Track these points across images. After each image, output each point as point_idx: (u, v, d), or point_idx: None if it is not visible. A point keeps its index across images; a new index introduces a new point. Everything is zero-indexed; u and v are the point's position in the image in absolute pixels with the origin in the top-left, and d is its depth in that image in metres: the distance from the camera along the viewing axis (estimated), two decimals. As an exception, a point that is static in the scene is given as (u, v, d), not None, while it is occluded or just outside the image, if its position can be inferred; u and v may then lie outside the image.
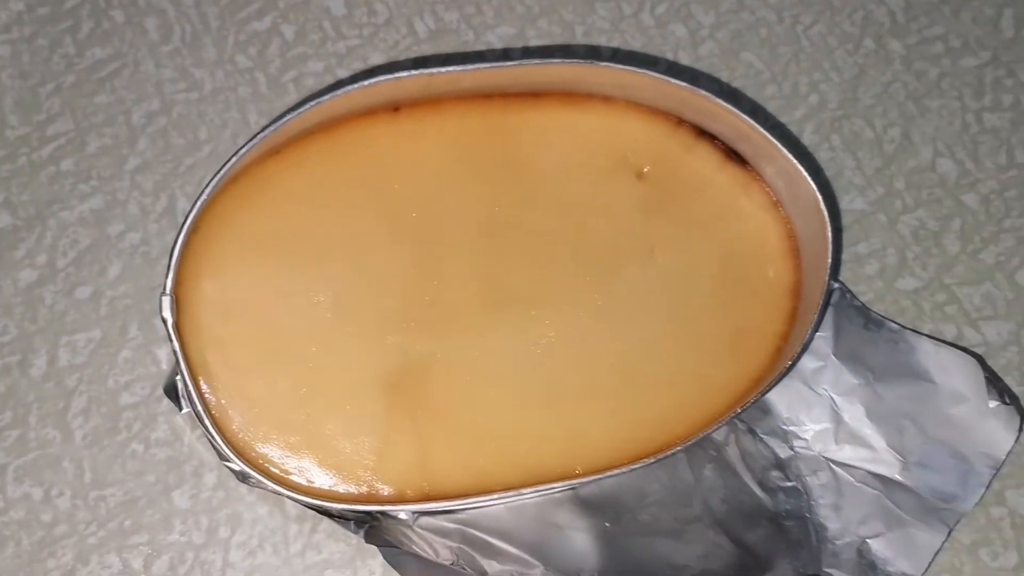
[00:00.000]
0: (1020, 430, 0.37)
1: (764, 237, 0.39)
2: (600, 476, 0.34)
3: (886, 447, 0.37)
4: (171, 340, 0.32)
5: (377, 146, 0.37)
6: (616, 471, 0.34)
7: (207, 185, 0.33)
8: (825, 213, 0.36)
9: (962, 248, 0.43)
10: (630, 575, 0.34)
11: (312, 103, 0.34)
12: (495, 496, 0.33)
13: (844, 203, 0.43)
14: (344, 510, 0.33)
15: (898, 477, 0.37)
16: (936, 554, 0.35)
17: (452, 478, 0.34)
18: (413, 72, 0.35)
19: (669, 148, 0.39)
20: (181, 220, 0.41)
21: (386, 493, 0.34)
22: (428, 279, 0.36)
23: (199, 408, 0.33)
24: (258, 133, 0.34)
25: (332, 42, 0.45)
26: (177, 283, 0.33)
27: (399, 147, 0.37)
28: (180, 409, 0.36)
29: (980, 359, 0.39)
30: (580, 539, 0.35)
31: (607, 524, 0.36)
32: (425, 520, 0.36)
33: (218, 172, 0.33)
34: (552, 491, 0.35)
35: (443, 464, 0.34)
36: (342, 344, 0.35)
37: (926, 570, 0.35)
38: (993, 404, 0.36)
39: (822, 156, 0.44)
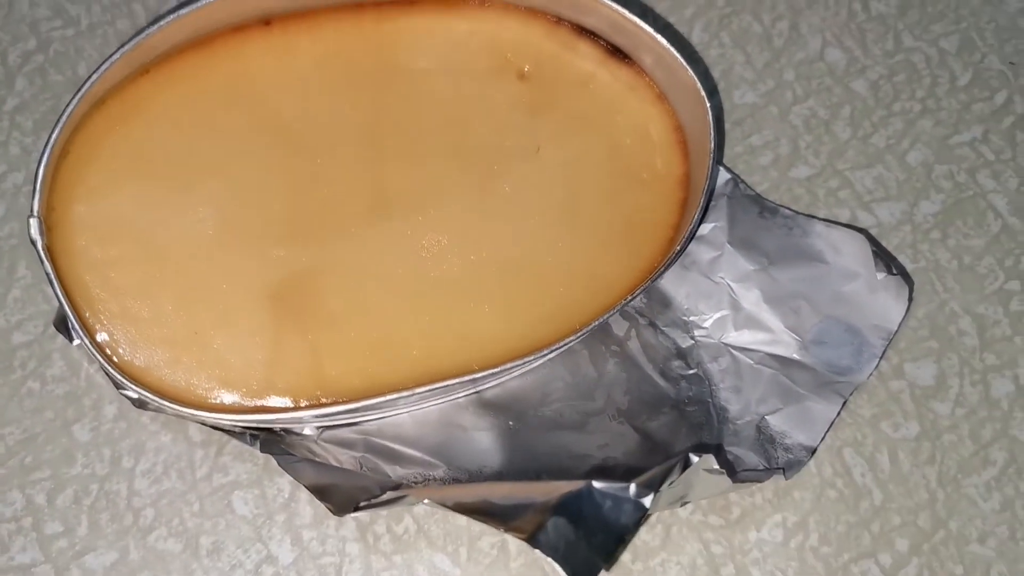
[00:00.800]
0: (909, 300, 0.37)
1: (650, 130, 0.39)
2: (495, 370, 0.34)
3: (783, 328, 0.37)
4: (42, 263, 0.32)
5: (250, 61, 0.36)
6: (511, 364, 0.34)
7: (68, 104, 0.33)
8: (704, 94, 0.36)
9: (853, 134, 0.43)
10: (531, 469, 0.34)
11: (173, 16, 0.34)
12: (387, 398, 0.33)
13: (736, 98, 0.44)
14: (242, 425, 0.33)
15: (795, 356, 0.37)
16: (831, 424, 0.36)
17: (347, 385, 0.34)
18: (281, -19, 0.35)
19: (549, 47, 0.39)
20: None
21: (281, 405, 0.33)
22: (311, 190, 0.35)
23: (82, 334, 0.32)
24: (118, 48, 0.33)
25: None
26: (49, 209, 0.33)
27: (273, 61, 0.36)
28: (72, 341, 0.36)
29: (868, 235, 0.39)
30: (483, 438, 0.35)
31: (510, 423, 0.36)
32: (329, 434, 0.35)
33: (78, 91, 0.33)
34: (453, 395, 0.35)
35: (336, 372, 0.34)
36: (226, 259, 0.34)
37: (822, 439, 0.36)
38: (881, 276, 0.37)
39: (712, 54, 0.44)
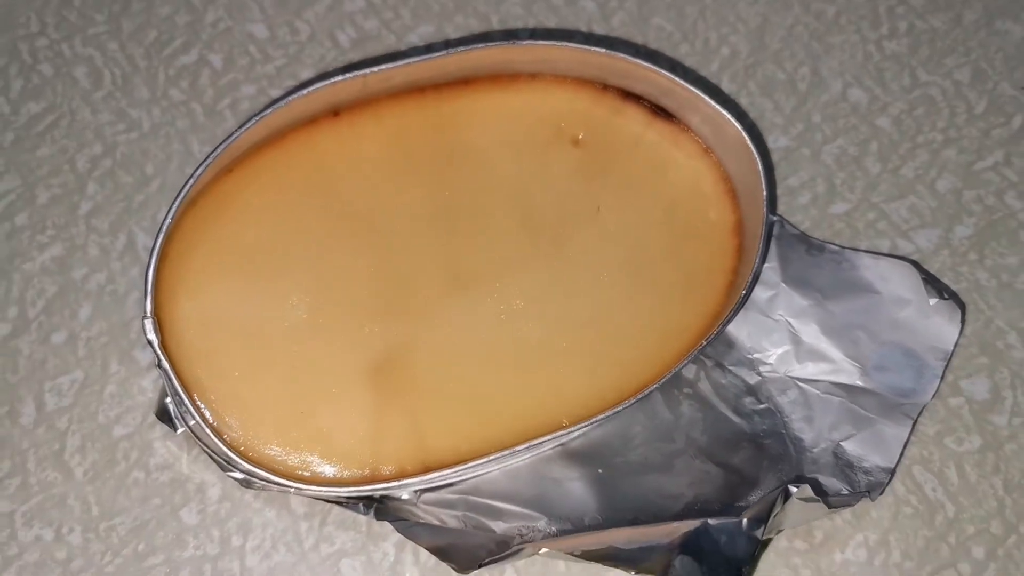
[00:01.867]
0: (963, 322, 0.40)
1: (700, 183, 0.41)
2: (585, 425, 0.36)
3: (844, 357, 0.40)
4: (159, 360, 0.34)
5: (322, 151, 0.38)
6: (599, 417, 0.36)
7: (169, 210, 0.35)
8: (753, 149, 0.39)
9: (883, 167, 0.46)
10: (628, 511, 0.36)
11: (256, 118, 0.36)
12: (491, 458, 0.34)
13: (770, 142, 0.46)
14: (349, 496, 0.35)
15: (859, 383, 0.39)
16: (905, 445, 0.38)
17: (447, 449, 0.36)
18: (347, 76, 0.37)
19: (598, 113, 0.41)
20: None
21: (387, 473, 0.35)
22: (392, 269, 0.37)
23: (197, 419, 0.34)
24: (210, 154, 0.35)
25: (260, 64, 0.47)
26: (156, 307, 0.35)
27: (343, 149, 0.39)
28: (175, 430, 0.37)
29: (915, 263, 0.41)
30: (576, 487, 0.37)
31: (599, 470, 0.38)
32: (428, 496, 0.37)
33: (177, 196, 0.35)
34: (543, 448, 0.37)
35: (437, 437, 0.36)
36: (322, 340, 0.36)
37: (899, 460, 0.37)
38: (933, 301, 0.39)
39: (742, 102, 0.47)
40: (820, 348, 0.40)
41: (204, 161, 0.35)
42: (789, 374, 0.40)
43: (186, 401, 0.34)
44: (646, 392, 0.36)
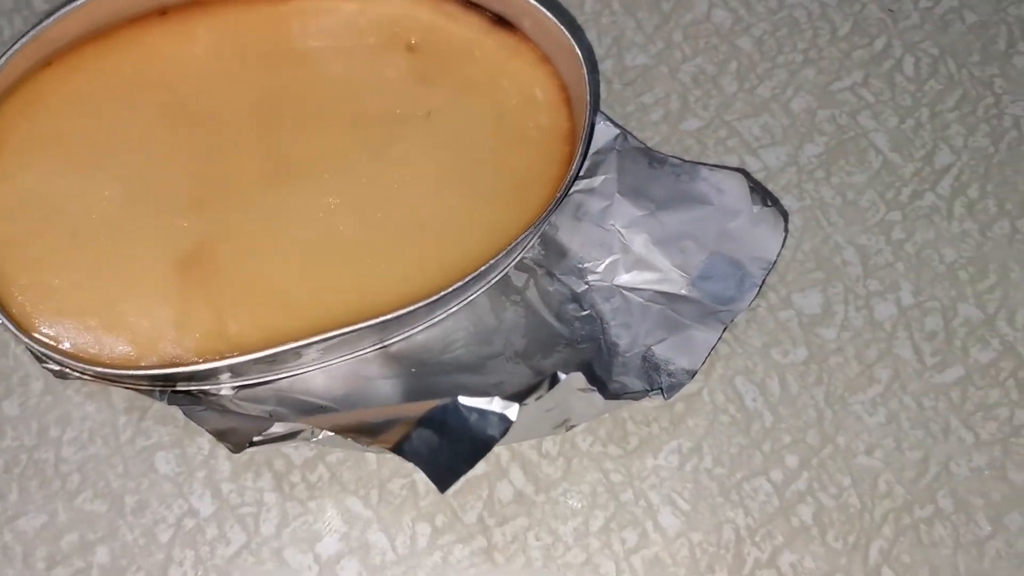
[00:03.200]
0: (785, 231, 0.39)
1: (535, 90, 0.41)
2: (388, 317, 0.36)
3: (671, 267, 0.40)
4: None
5: (149, 48, 0.39)
6: (402, 311, 0.36)
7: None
8: (577, 50, 0.38)
9: (739, 86, 0.45)
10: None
11: (68, 7, 0.36)
12: (286, 347, 0.35)
13: (628, 60, 0.46)
14: (160, 386, 0.35)
15: (683, 292, 0.39)
16: (712, 348, 0.38)
17: (252, 341, 0.36)
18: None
19: (437, 20, 0.41)
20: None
21: (188, 359, 0.35)
22: (211, 163, 0.38)
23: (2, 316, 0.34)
24: (13, 43, 0.36)
25: None
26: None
27: (171, 47, 0.39)
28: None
29: (745, 172, 0.41)
30: (385, 385, 0.37)
31: (412, 369, 0.38)
32: (244, 392, 0.38)
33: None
34: (363, 350, 0.37)
35: (241, 329, 0.36)
36: (132, 231, 0.36)
37: (703, 362, 0.37)
38: (757, 209, 0.39)
39: (604, 21, 0.47)
40: (648, 258, 0.40)
41: (8, 49, 0.35)
42: (615, 282, 0.40)
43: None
44: (455, 288, 0.36)
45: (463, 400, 0.31)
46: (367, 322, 0.35)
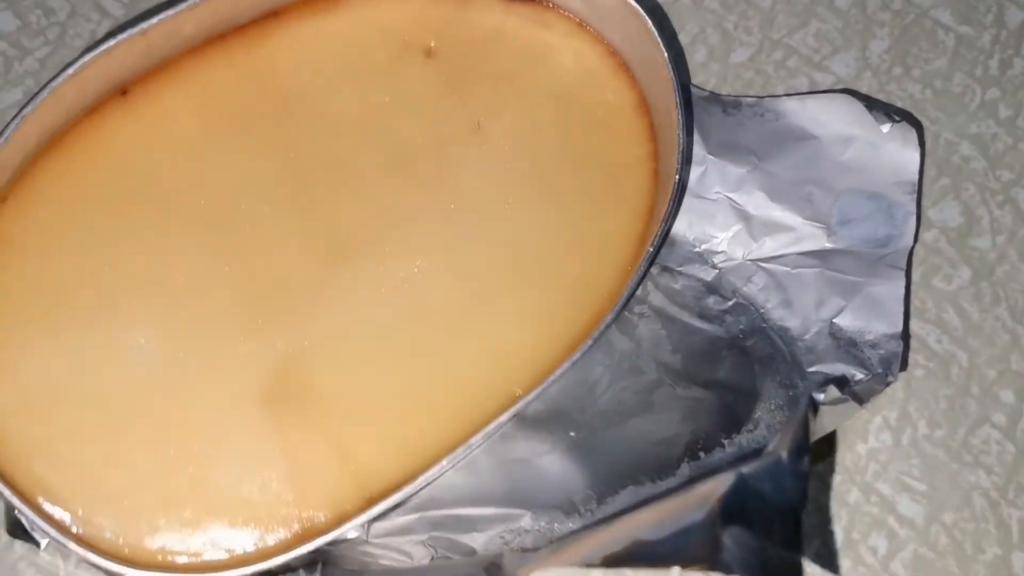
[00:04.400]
0: (922, 143, 0.34)
1: (584, 63, 0.34)
2: (545, 385, 0.28)
3: (803, 221, 0.34)
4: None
5: (116, 142, 0.30)
6: (556, 372, 0.29)
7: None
8: (638, 7, 0.32)
9: (773, -2, 0.39)
10: (622, 475, 0.29)
11: (12, 124, 0.27)
12: (445, 462, 0.27)
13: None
14: (285, 565, 0.27)
15: (828, 245, 0.33)
16: (906, 300, 0.32)
17: (387, 467, 0.28)
18: (121, 36, 0.28)
19: (443, 12, 0.33)
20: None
21: (324, 519, 0.27)
22: (250, 264, 0.29)
23: (56, 534, 0.25)
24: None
25: (18, 62, 0.37)
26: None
27: (143, 133, 0.30)
28: (39, 544, 0.29)
29: (851, 91, 0.36)
30: (551, 463, 0.30)
31: (571, 433, 0.31)
32: (379, 526, 0.30)
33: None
34: (499, 429, 0.29)
35: (369, 456, 0.28)
36: (189, 379, 0.28)
37: (905, 320, 0.32)
38: (886, 128, 0.33)
39: (597, -35, 0.40)
40: (773, 217, 0.34)
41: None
42: (748, 257, 0.34)
43: (31, 515, 0.25)
44: (604, 325, 0.29)
45: (746, 470, 0.24)
46: (526, 399, 0.28)
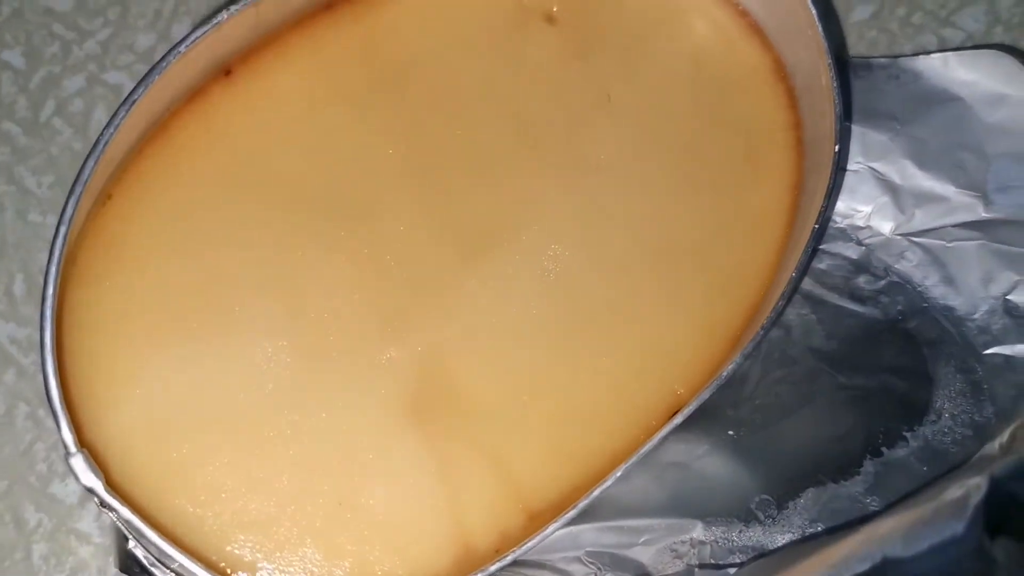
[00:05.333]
0: (1083, 98, 0.31)
1: (714, 25, 0.31)
2: (714, 382, 0.26)
3: (956, 190, 0.31)
4: (111, 509, 0.22)
5: (225, 129, 0.26)
6: (730, 365, 0.26)
7: (47, 280, 0.23)
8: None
9: (890, -51, 0.37)
10: (800, 476, 0.27)
11: (122, 113, 0.24)
12: (620, 471, 0.25)
13: (749, -41, 0.36)
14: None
15: (986, 215, 0.31)
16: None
17: (550, 479, 0.25)
18: (233, 9, 0.25)
19: (564, -28, 0.30)
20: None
21: (487, 542, 0.25)
22: (379, 260, 0.26)
23: (197, 570, 0.22)
24: (74, 185, 0.23)
25: (77, 45, 0.34)
26: (77, 430, 0.23)
27: (253, 118, 0.27)
28: (155, 580, 0.26)
29: (1004, 47, 0.33)
30: (713, 465, 0.28)
31: (729, 432, 0.28)
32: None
33: (51, 259, 0.23)
34: (670, 431, 0.27)
35: (529, 469, 0.25)
36: (327, 392, 0.25)
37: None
38: (1047, 86, 0.31)
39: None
40: (922, 187, 0.31)
41: (69, 199, 0.23)
42: (898, 232, 0.31)
43: (172, 552, 0.22)
44: (779, 307, 0.26)
45: (998, 474, 0.21)
46: (700, 395, 0.25)
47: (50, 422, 0.29)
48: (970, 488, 0.21)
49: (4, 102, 0.33)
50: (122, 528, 0.24)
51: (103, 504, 0.22)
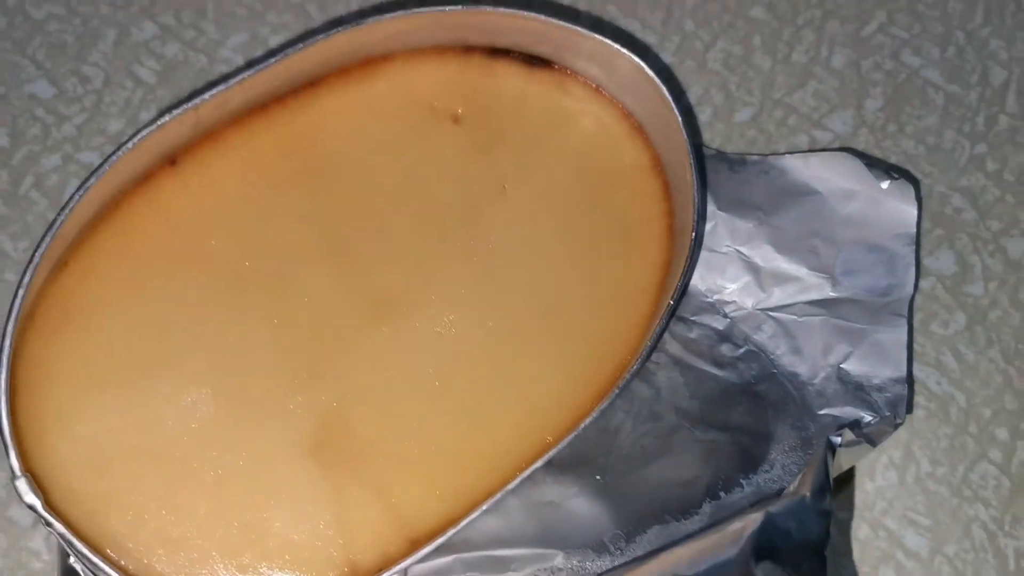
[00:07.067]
0: (919, 198, 0.36)
1: (603, 126, 0.36)
2: (576, 432, 0.30)
3: (808, 272, 0.36)
4: (50, 525, 0.26)
5: (168, 209, 0.32)
6: (589, 418, 0.30)
7: (3, 337, 0.27)
8: (652, 75, 0.34)
9: (773, 60, 0.42)
10: (648, 515, 0.31)
11: (79, 193, 0.29)
12: (486, 505, 0.29)
13: (648, 64, 0.41)
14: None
15: (833, 294, 0.35)
16: (909, 347, 0.34)
17: (429, 512, 0.30)
18: (176, 111, 0.30)
19: (469, 79, 0.35)
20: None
21: (371, 562, 0.29)
22: (295, 323, 0.31)
23: (121, 580, 0.27)
24: (36, 249, 0.28)
25: (56, 128, 0.39)
26: (23, 462, 0.27)
27: (192, 200, 0.32)
28: (94, 594, 0.30)
29: (851, 150, 0.38)
30: (579, 505, 0.32)
31: (596, 477, 0.33)
32: (417, 568, 0.31)
33: (8, 317, 0.27)
34: (532, 473, 0.31)
35: (412, 502, 0.30)
36: (242, 432, 0.30)
37: (908, 365, 0.34)
38: (885, 184, 0.36)
39: (607, 25, 0.42)
40: (780, 269, 0.36)
41: (31, 261, 0.28)
42: (758, 307, 0.36)
43: (99, 563, 0.26)
44: (631, 374, 0.31)
45: (774, 510, 0.26)
46: (561, 442, 0.30)
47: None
48: (748, 521, 0.26)
49: (-10, 177, 0.38)
50: (62, 544, 0.28)
51: (45, 522, 0.27)
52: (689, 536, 0.29)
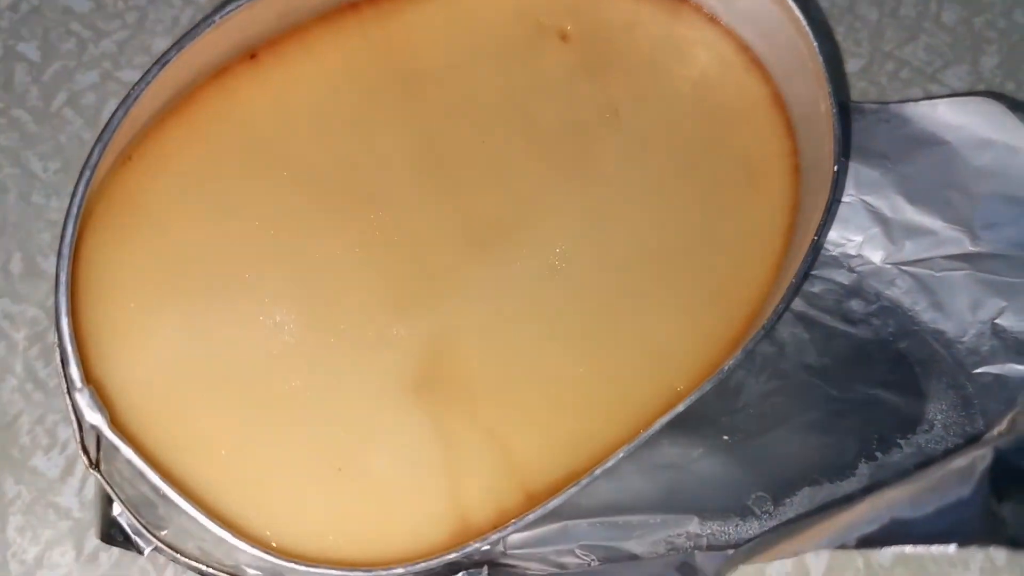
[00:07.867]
0: (1062, 143, 0.33)
1: (717, 56, 0.32)
2: (714, 379, 0.26)
3: (944, 225, 0.32)
4: (118, 447, 0.21)
5: (244, 107, 0.27)
6: (728, 364, 0.26)
7: (64, 233, 0.23)
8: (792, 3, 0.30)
9: (880, 12, 0.39)
10: (796, 477, 0.27)
11: (143, 82, 0.24)
12: (619, 455, 0.25)
13: (746, 12, 0.38)
14: (455, 559, 0.24)
15: (972, 248, 0.32)
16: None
17: (547, 462, 0.25)
18: (261, -9, 0.26)
19: (577, -2, 0.32)
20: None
21: (485, 518, 0.24)
22: (390, 244, 0.27)
23: (206, 520, 0.22)
24: (95, 144, 0.23)
25: (92, 44, 0.34)
26: (89, 379, 0.22)
27: (274, 98, 0.27)
28: (140, 551, 0.25)
29: (994, 95, 0.35)
30: (708, 467, 0.28)
31: (725, 437, 0.28)
32: (518, 537, 0.27)
33: (68, 214, 0.23)
34: (669, 421, 0.27)
35: (529, 452, 0.25)
36: (331, 363, 0.25)
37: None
38: (1026, 130, 0.32)
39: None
40: (912, 220, 0.32)
41: (92, 152, 0.23)
42: (888, 261, 0.32)
43: (176, 498, 0.22)
44: (769, 323, 0.27)
45: (1003, 446, 0.21)
46: (698, 390, 0.26)
47: (38, 395, 0.29)
48: (976, 458, 0.21)
49: (16, 91, 0.33)
50: (108, 489, 0.23)
51: (112, 443, 0.22)
52: (901, 476, 0.25)
